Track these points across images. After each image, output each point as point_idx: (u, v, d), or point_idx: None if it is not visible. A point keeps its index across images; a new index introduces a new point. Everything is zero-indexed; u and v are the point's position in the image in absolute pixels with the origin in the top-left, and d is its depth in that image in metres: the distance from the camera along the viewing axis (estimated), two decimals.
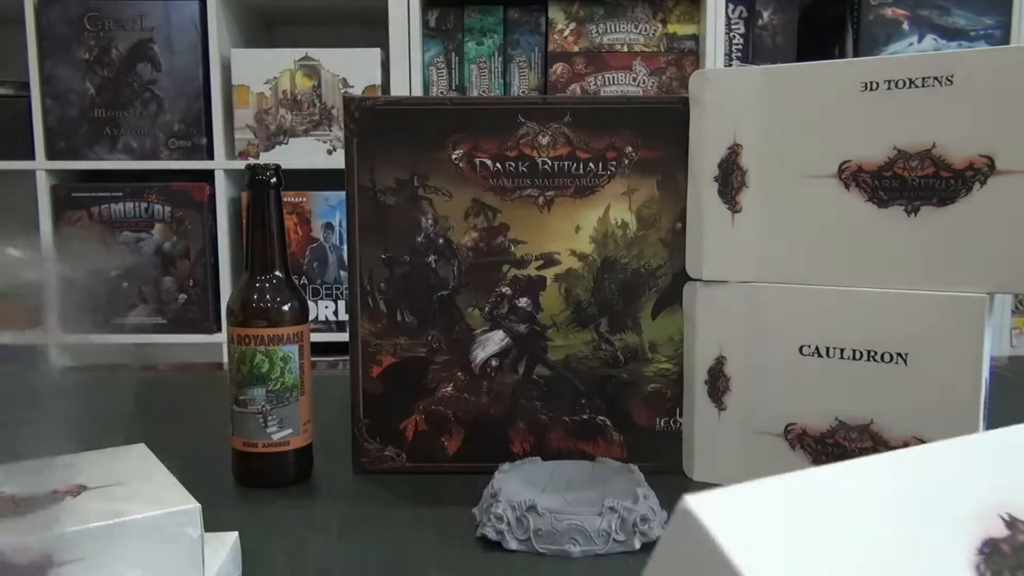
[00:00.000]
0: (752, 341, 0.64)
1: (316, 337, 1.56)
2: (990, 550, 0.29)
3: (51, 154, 1.67)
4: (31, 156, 1.66)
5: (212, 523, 0.50)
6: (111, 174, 1.72)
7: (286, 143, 1.68)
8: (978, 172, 0.56)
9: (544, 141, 0.66)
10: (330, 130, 1.68)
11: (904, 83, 0.57)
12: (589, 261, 0.67)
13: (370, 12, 1.71)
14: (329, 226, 1.68)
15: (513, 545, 0.55)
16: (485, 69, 1.69)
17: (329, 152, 1.68)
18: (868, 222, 0.59)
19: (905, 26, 1.62)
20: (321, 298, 1.69)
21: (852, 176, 0.60)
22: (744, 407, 0.65)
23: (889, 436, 0.60)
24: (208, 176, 1.67)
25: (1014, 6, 1.61)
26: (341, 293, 1.68)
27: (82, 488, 0.47)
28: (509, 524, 0.55)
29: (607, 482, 0.60)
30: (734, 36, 1.66)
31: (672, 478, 0.67)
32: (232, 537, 0.52)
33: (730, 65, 1.64)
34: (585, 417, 0.69)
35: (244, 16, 1.79)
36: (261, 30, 1.92)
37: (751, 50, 1.66)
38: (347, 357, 0.70)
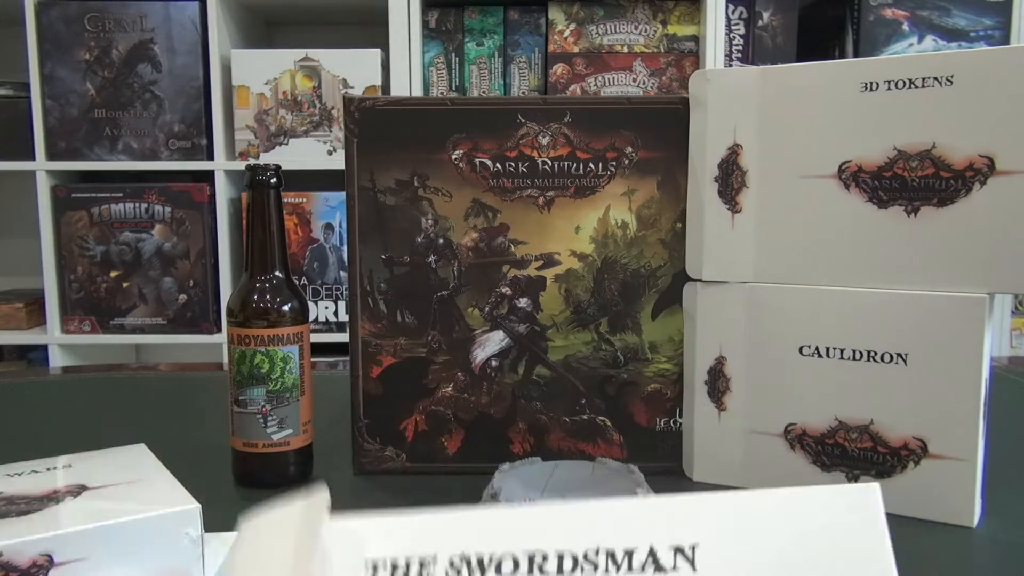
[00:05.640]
0: (752, 341, 0.64)
1: (316, 337, 1.57)
2: None
3: (51, 154, 1.67)
4: (31, 156, 1.66)
5: (212, 523, 0.50)
6: (111, 174, 1.72)
7: (286, 143, 1.68)
8: (978, 172, 0.56)
9: (544, 141, 0.66)
10: (330, 130, 1.68)
11: (904, 83, 0.57)
12: (589, 261, 0.67)
13: (370, 12, 1.71)
14: (329, 227, 1.68)
15: None
16: (485, 70, 1.69)
17: (329, 152, 1.68)
18: (868, 222, 0.59)
19: (905, 27, 1.62)
20: (321, 298, 1.69)
21: (852, 176, 0.60)
22: (744, 407, 0.65)
23: (889, 436, 0.60)
24: (208, 176, 1.68)
25: (1014, 7, 1.61)
26: (341, 293, 1.68)
27: (82, 488, 0.47)
28: None
29: (607, 483, 0.60)
30: (734, 37, 1.66)
31: (672, 478, 0.67)
32: (232, 537, 0.52)
33: (730, 65, 1.64)
34: (585, 417, 0.69)
35: (244, 16, 1.79)
36: (261, 30, 1.92)
37: (751, 51, 1.66)
38: (347, 357, 0.70)
